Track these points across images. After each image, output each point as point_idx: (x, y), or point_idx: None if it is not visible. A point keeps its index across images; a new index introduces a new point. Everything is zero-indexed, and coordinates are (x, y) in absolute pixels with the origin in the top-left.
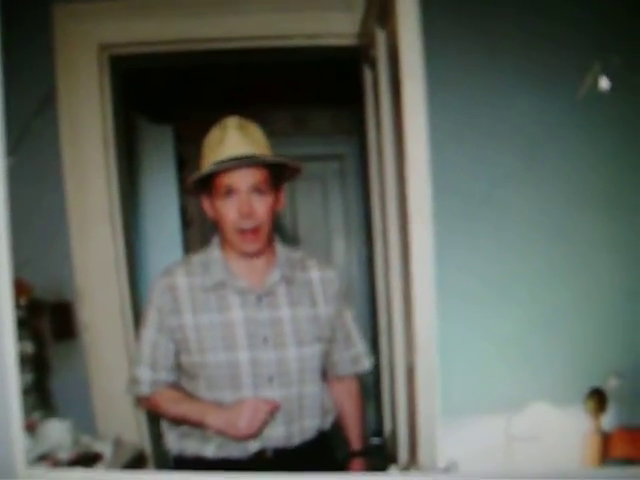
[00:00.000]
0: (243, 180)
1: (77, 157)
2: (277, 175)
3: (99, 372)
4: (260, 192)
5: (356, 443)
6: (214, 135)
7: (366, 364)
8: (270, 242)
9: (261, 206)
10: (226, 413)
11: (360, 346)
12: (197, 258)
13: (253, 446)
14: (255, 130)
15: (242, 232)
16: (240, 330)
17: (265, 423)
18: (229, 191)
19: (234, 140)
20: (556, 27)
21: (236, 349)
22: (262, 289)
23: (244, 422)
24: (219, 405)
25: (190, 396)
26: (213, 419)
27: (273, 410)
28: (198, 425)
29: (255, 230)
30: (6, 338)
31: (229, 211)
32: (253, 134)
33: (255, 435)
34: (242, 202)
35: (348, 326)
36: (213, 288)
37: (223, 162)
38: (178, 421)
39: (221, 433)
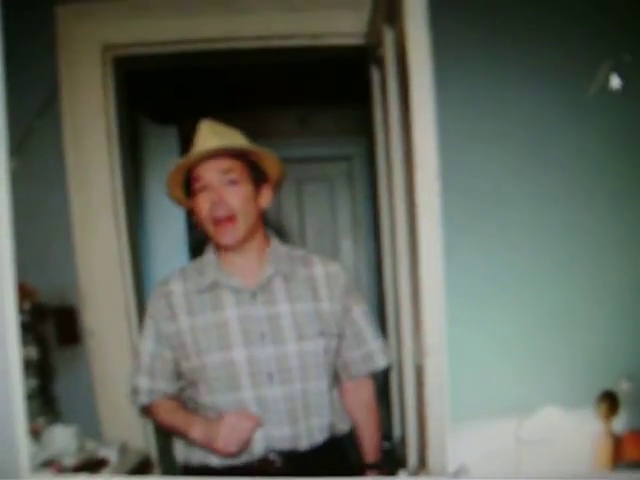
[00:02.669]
0: (211, 170)
1: (80, 159)
2: (255, 168)
3: (104, 377)
4: (233, 183)
5: (370, 455)
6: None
7: (380, 361)
8: (258, 237)
9: (234, 196)
10: (207, 428)
11: (373, 343)
12: (193, 264)
13: (258, 451)
14: (227, 128)
15: (217, 222)
16: (234, 328)
17: (247, 441)
18: (203, 186)
19: (202, 138)
20: (565, 25)
21: (231, 347)
22: (256, 285)
23: (221, 440)
24: (204, 418)
25: (183, 407)
26: (196, 432)
27: (256, 425)
28: (185, 437)
29: (229, 219)
30: (10, 343)
31: (204, 204)
32: (223, 130)
33: (237, 452)
34: (213, 191)
35: (358, 322)
36: (207, 289)
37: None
38: (172, 432)
39: (204, 446)
